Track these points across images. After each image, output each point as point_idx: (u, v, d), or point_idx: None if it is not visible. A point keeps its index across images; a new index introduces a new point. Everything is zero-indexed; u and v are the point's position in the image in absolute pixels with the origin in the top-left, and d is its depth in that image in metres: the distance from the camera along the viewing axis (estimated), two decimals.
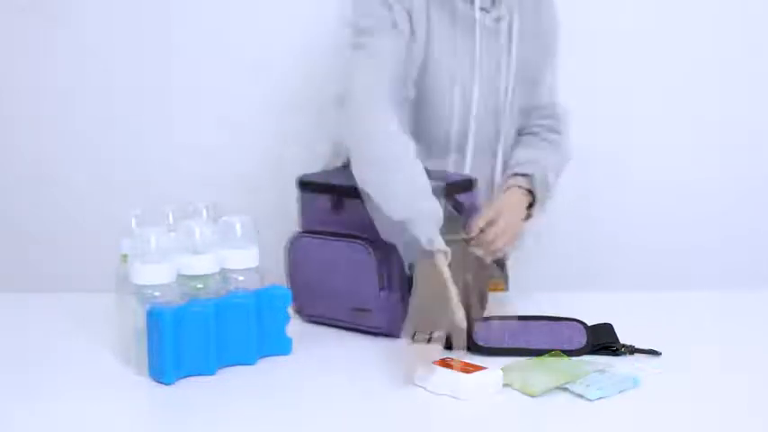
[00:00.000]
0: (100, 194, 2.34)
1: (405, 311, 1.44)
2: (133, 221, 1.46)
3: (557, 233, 2.23)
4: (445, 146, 1.75)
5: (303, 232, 1.63)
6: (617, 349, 1.46)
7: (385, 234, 1.52)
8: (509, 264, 1.98)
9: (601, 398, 1.29)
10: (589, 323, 1.50)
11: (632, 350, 1.46)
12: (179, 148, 2.34)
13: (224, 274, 1.44)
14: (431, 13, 1.68)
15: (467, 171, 1.74)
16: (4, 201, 2.37)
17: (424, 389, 1.33)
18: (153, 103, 2.32)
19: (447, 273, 1.43)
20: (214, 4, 2.30)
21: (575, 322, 1.51)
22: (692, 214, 2.37)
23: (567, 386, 1.32)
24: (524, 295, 1.81)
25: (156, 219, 1.49)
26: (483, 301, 1.59)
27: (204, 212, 1.52)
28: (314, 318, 1.62)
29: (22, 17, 2.29)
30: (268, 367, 1.43)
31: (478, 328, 1.48)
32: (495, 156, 1.79)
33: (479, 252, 1.59)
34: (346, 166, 1.65)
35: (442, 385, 1.32)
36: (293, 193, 1.67)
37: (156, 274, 1.37)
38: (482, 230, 1.59)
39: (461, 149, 1.75)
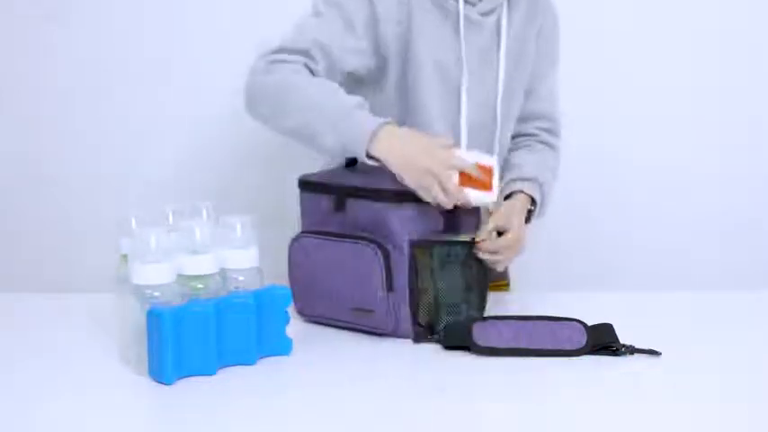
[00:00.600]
0: (100, 195, 2.35)
1: (407, 313, 1.43)
2: (133, 221, 1.46)
3: (557, 233, 2.23)
4: None
5: (304, 232, 1.62)
6: (617, 349, 1.46)
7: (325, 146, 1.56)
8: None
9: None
10: (589, 323, 1.50)
11: (632, 350, 1.46)
12: (179, 147, 2.34)
13: (224, 274, 1.44)
14: (413, 7, 1.64)
15: None
16: (3, 201, 2.37)
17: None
18: (153, 104, 2.33)
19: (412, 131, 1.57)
20: (214, 4, 2.30)
21: (575, 322, 1.51)
22: (692, 214, 2.37)
23: None
24: (524, 295, 1.81)
25: (156, 219, 1.48)
26: (483, 301, 1.59)
27: (204, 212, 1.52)
28: (314, 318, 1.62)
29: (21, 17, 2.30)
30: (268, 367, 1.43)
31: (478, 328, 1.48)
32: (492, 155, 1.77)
33: (485, 257, 1.58)
34: (347, 166, 1.65)
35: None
36: (293, 193, 1.67)
37: (156, 275, 1.37)
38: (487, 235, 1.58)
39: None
